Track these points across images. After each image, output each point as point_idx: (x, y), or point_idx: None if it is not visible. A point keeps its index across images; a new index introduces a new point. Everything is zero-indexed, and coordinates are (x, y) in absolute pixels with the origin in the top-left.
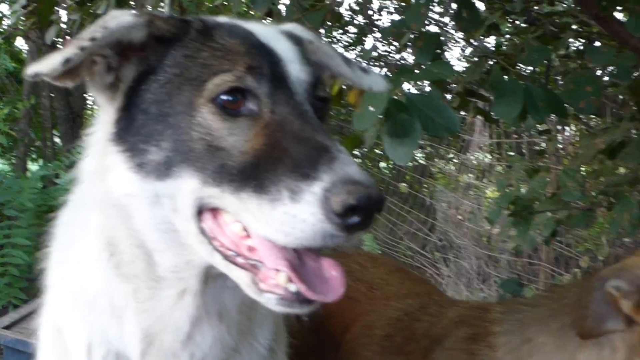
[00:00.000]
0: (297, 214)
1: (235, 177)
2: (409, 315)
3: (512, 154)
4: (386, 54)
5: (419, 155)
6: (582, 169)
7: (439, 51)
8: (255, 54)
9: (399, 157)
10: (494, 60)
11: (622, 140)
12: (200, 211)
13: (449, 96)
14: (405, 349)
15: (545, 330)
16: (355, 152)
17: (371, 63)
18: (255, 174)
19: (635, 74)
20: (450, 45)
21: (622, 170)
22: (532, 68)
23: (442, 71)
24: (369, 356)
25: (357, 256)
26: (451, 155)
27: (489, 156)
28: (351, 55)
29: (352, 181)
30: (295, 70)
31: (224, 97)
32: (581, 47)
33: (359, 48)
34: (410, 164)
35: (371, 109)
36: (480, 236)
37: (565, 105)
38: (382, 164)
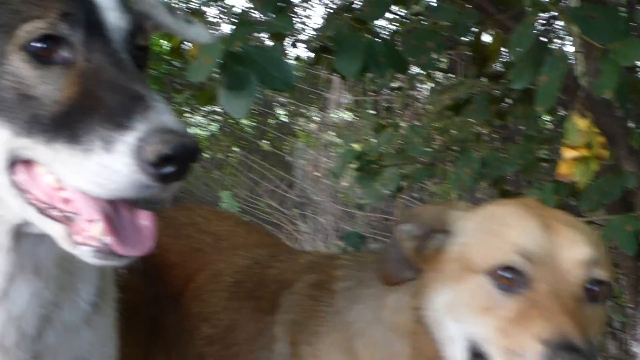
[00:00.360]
0: (110, 165)
1: (48, 128)
2: (259, 263)
3: (372, 112)
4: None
5: (281, 112)
6: (435, 125)
7: (283, 4)
8: (70, 0)
9: (235, 110)
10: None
11: (468, 98)
12: (12, 163)
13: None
14: (254, 294)
15: (375, 274)
16: (216, 108)
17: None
18: (68, 124)
19: (476, 31)
20: (313, 3)
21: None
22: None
23: (283, 25)
24: (215, 302)
25: (199, 210)
26: (313, 114)
27: (348, 114)
28: (211, 9)
29: (166, 130)
30: (113, 17)
31: (35, 45)
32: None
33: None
34: (272, 121)
35: (205, 61)
36: (337, 192)
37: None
38: (244, 121)
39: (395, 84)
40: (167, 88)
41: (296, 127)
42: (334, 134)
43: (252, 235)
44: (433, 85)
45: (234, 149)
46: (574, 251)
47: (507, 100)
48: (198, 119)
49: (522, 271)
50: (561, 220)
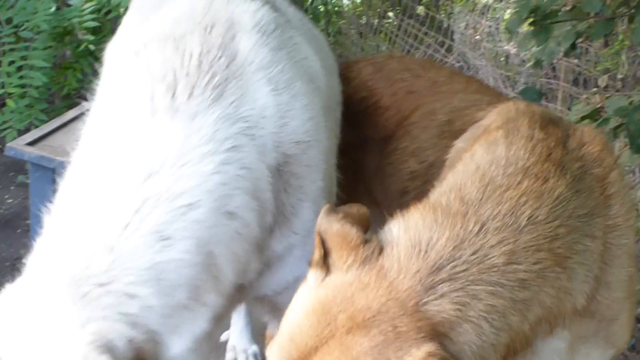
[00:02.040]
0: None
1: None
2: (476, 106)
3: None
4: None
5: None
6: None
7: None
8: None
9: None
10: None
11: None
12: None
13: None
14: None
15: None
16: None
17: None
18: None
19: None
20: None
21: None
22: None
23: None
24: (425, 139)
25: (413, 58)
26: None
27: None
28: None
29: None
30: None
31: None
32: None
33: None
34: None
35: None
36: (498, 56)
37: None
38: None
39: None
40: None
41: None
42: None
43: (472, 84)
44: None
45: (389, 14)
46: None
47: None
48: None
49: None
50: None
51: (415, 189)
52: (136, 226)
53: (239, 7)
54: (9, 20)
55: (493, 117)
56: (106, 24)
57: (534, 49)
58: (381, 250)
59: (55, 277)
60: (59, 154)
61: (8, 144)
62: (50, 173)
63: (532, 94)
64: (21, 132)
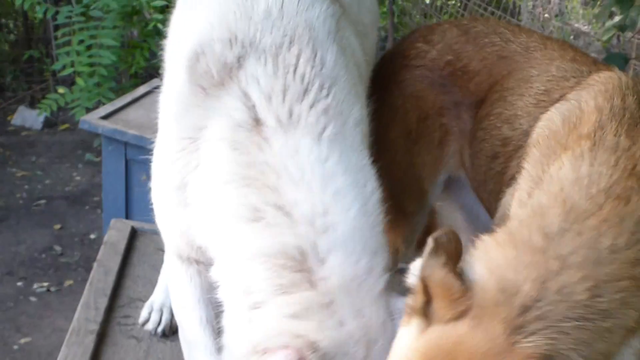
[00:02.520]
0: None
1: None
2: (576, 77)
3: None
4: None
5: None
6: None
7: None
8: None
9: None
10: None
11: None
12: None
13: None
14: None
15: None
16: None
17: None
18: None
19: None
20: None
21: None
22: None
23: None
24: (521, 106)
25: (499, 22)
26: None
27: None
28: None
29: None
30: None
31: None
32: None
33: None
34: None
35: None
36: (567, 34)
37: None
38: None
39: None
40: None
41: None
42: None
43: (567, 51)
44: None
45: None
46: None
47: None
48: None
49: None
50: None
51: (505, 154)
52: None
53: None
54: (79, 0)
55: (589, 106)
56: (174, 3)
57: (608, 23)
58: (471, 295)
59: None
60: (131, 127)
61: (82, 118)
62: (122, 147)
63: (618, 60)
64: (89, 111)
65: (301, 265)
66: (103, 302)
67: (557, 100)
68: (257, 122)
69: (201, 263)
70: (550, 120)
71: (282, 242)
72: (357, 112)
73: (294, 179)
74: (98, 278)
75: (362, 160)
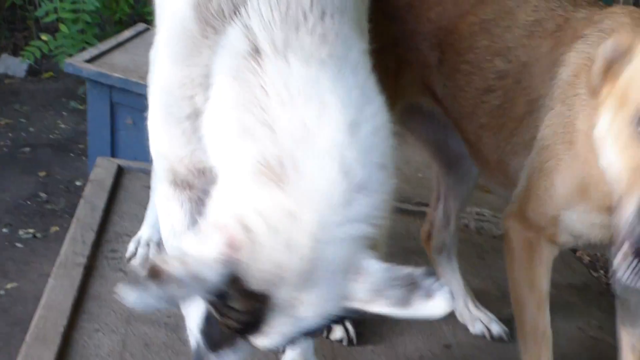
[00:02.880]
0: None
1: None
2: (564, 8)
3: None
4: None
5: None
6: None
7: None
8: None
9: None
10: None
11: None
12: None
13: None
14: (555, 34)
15: None
16: None
17: None
18: None
19: None
20: None
21: None
22: None
23: None
24: (511, 38)
25: None
26: None
27: None
28: None
29: None
30: None
31: None
32: None
33: None
34: None
35: None
36: None
37: None
38: None
39: None
40: None
41: None
42: None
43: None
44: None
45: None
46: None
47: None
48: None
49: None
50: None
51: (502, 88)
52: (370, 163)
53: None
54: None
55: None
56: None
57: None
58: None
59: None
60: (116, 71)
61: (67, 60)
62: (107, 90)
63: None
64: None
65: (276, 170)
66: (90, 237)
67: (555, 31)
68: (256, 51)
69: (194, 189)
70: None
71: (263, 151)
72: (360, 43)
73: (282, 99)
74: (85, 214)
75: (361, 82)
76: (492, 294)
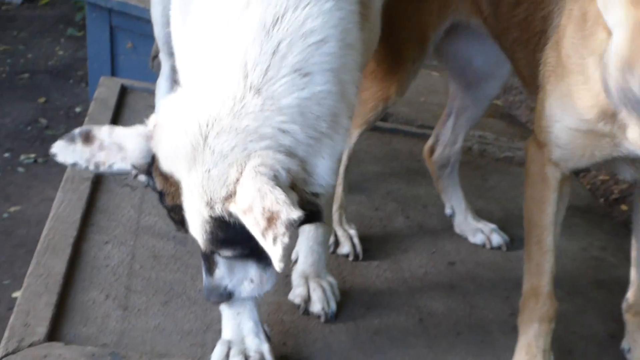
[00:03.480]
0: None
1: None
2: None
3: None
4: None
5: None
6: None
7: None
8: None
9: None
10: None
11: None
12: None
13: None
14: None
15: None
16: None
17: None
18: None
19: None
20: None
21: None
22: None
23: None
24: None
25: None
26: None
27: None
28: None
29: None
30: None
31: None
32: None
33: None
34: None
35: None
36: None
37: None
38: None
39: None
40: None
41: None
42: None
43: None
44: None
45: None
46: None
47: None
48: None
49: None
50: None
51: (527, 0)
52: (277, 67)
53: None
54: None
55: None
56: None
57: None
58: None
59: (211, 112)
60: None
61: None
62: (107, 14)
63: None
64: None
65: (245, 70)
66: None
67: None
68: None
69: None
70: None
71: (246, 49)
72: None
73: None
74: None
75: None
76: (495, 214)
